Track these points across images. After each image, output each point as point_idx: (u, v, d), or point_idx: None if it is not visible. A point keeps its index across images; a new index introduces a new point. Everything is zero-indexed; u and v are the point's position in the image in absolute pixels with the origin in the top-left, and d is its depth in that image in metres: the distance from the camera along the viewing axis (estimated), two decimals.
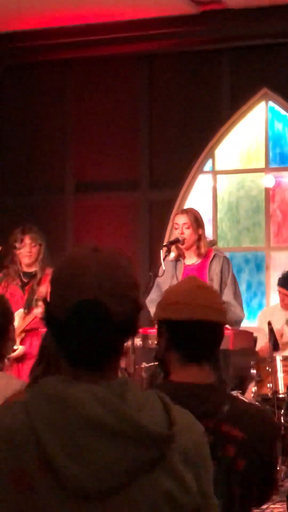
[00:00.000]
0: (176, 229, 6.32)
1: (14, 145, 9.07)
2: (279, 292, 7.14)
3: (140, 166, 8.72)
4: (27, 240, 6.63)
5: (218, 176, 8.64)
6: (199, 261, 6.27)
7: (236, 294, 6.21)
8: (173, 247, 6.31)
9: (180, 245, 6.26)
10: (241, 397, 6.09)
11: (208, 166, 8.63)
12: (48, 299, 1.80)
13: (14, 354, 6.21)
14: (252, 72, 8.31)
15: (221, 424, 2.42)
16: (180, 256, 6.30)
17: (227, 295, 6.11)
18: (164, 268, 6.07)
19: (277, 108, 8.41)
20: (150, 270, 7.18)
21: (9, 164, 9.07)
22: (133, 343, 5.60)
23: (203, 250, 6.25)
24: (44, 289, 6.42)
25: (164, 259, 6.12)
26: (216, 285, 6.10)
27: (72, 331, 1.74)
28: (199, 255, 6.26)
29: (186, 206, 8.44)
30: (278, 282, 7.15)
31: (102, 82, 8.83)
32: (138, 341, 5.77)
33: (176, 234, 6.34)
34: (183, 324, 2.50)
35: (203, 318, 2.49)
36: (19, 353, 6.39)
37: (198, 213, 6.43)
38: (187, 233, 6.22)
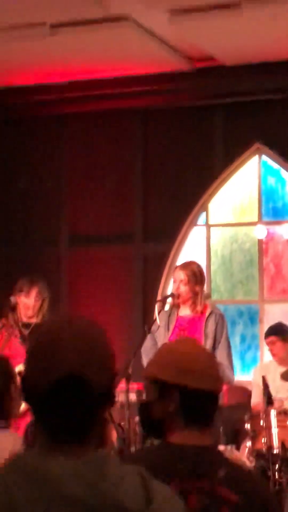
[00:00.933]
0: (174, 282, 6.33)
1: (10, 197, 9.12)
2: (267, 344, 7.26)
3: (134, 219, 8.77)
4: (34, 291, 6.56)
5: (212, 229, 8.70)
6: (195, 314, 6.27)
7: (229, 355, 6.21)
8: (171, 297, 6.33)
9: (175, 299, 6.27)
10: (235, 452, 6.07)
11: (201, 219, 8.69)
12: (25, 373, 1.79)
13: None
14: (245, 127, 8.42)
15: (216, 487, 2.41)
16: (174, 307, 6.29)
17: (221, 355, 6.10)
18: (159, 323, 6.08)
19: (270, 162, 8.50)
20: (144, 323, 7.21)
21: (4, 216, 9.12)
22: (127, 398, 5.60)
23: (199, 308, 6.25)
24: None
25: (159, 314, 6.13)
26: (210, 343, 6.11)
27: (53, 405, 1.73)
28: (194, 310, 6.26)
29: (180, 259, 8.49)
30: (265, 335, 7.29)
31: (97, 136, 8.92)
32: (132, 396, 5.76)
33: (173, 288, 6.35)
34: (199, 393, 2.51)
35: (215, 389, 2.54)
36: (23, 409, 6.32)
37: (198, 268, 6.37)
38: (183, 289, 6.22)
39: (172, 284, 6.44)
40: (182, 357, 2.59)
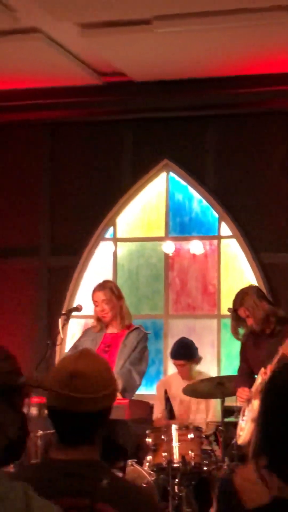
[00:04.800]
0: (96, 306, 6.34)
1: None
2: (175, 365, 7.32)
3: (41, 232, 8.74)
4: None
5: (119, 244, 8.72)
6: (121, 330, 6.34)
7: (140, 362, 6.25)
8: (96, 320, 6.35)
9: (102, 320, 6.32)
10: (136, 466, 6.09)
11: (109, 233, 8.71)
12: None
13: None
14: (153, 143, 8.49)
15: (96, 503, 2.38)
16: (102, 327, 6.35)
17: (130, 363, 6.17)
18: (62, 336, 6.09)
19: (178, 178, 8.58)
20: (48, 337, 7.19)
21: None
22: (28, 411, 5.56)
23: (127, 322, 6.32)
24: None
25: (62, 328, 6.14)
26: (127, 352, 6.17)
27: None
28: (122, 326, 6.31)
29: (87, 272, 8.49)
30: (171, 355, 7.33)
31: (5, 148, 8.86)
32: (33, 410, 5.73)
33: (96, 310, 6.35)
34: (51, 410, 2.51)
35: (68, 408, 2.46)
36: None
37: (114, 284, 6.52)
38: (108, 308, 6.28)
39: (95, 308, 6.43)
40: (52, 373, 2.58)
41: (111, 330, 6.36)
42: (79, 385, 2.46)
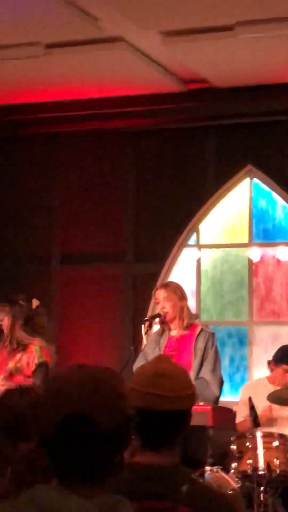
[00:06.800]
0: (157, 303, 6.39)
1: (1, 215, 9.14)
2: (283, 369, 6.91)
3: (125, 239, 8.80)
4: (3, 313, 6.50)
5: (202, 250, 8.72)
6: (184, 333, 6.33)
7: (214, 371, 6.24)
8: (157, 322, 6.38)
9: (163, 319, 6.33)
10: (221, 473, 6.06)
11: (192, 240, 8.71)
12: (38, 416, 1.83)
13: None
14: (237, 149, 8.46)
15: (177, 506, 2.40)
16: (164, 329, 6.37)
17: (205, 371, 6.15)
18: (145, 342, 6.12)
19: (261, 184, 8.54)
20: (132, 343, 7.23)
21: None
22: None
23: (185, 322, 6.32)
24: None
25: (145, 334, 6.17)
26: (198, 360, 6.16)
27: (62, 446, 1.76)
28: (183, 326, 6.33)
29: (171, 279, 8.51)
30: (282, 360, 6.99)
31: (89, 156, 8.96)
32: None
33: (157, 309, 6.40)
34: (138, 412, 2.48)
35: (154, 408, 2.48)
36: None
37: (178, 285, 6.52)
38: (168, 306, 6.31)
39: (156, 306, 6.49)
40: (135, 377, 2.60)
41: (174, 332, 6.37)
42: (164, 384, 2.50)
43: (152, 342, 6.39)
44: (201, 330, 6.34)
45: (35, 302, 6.52)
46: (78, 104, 8.39)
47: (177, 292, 6.40)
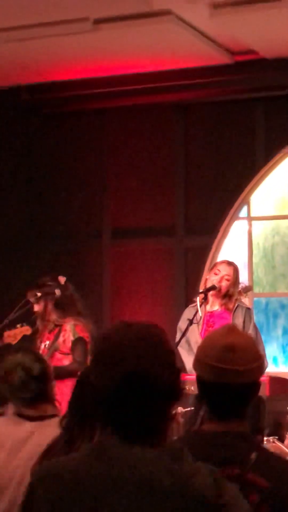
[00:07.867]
0: (216, 274, 6.42)
1: (52, 192, 9.22)
2: None
3: (176, 213, 8.81)
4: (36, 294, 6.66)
5: (253, 222, 8.71)
6: (221, 309, 6.38)
7: (258, 344, 6.27)
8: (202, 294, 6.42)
9: (217, 292, 6.36)
10: (278, 443, 6.10)
11: (243, 212, 8.71)
12: (92, 378, 1.88)
13: None
14: (286, 120, 8.42)
15: (247, 473, 2.44)
16: (203, 302, 6.41)
17: None
18: (201, 315, 6.16)
19: None
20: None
21: (47, 210, 9.21)
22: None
23: (231, 306, 6.38)
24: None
25: (200, 306, 6.21)
26: None
27: (122, 405, 1.82)
28: (223, 305, 6.37)
29: (222, 252, 8.52)
30: None
31: (138, 130, 8.98)
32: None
33: (213, 279, 6.43)
34: (207, 385, 2.55)
35: (224, 381, 2.52)
36: None
37: (239, 270, 6.59)
38: (225, 284, 6.35)
39: (211, 276, 6.51)
40: (206, 349, 2.61)
41: (212, 307, 6.42)
42: (235, 358, 2.53)
43: (187, 315, 6.45)
44: (237, 306, 6.39)
45: (62, 279, 6.63)
46: (126, 79, 8.41)
47: (237, 274, 6.48)
